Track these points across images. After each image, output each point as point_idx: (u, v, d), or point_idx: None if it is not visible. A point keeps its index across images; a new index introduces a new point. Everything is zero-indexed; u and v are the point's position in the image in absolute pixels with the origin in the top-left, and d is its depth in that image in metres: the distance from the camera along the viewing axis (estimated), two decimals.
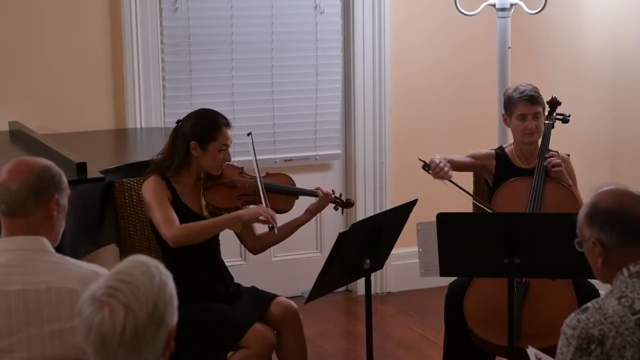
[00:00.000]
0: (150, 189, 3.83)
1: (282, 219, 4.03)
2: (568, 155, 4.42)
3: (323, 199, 4.05)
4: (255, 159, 3.96)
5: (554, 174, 4.19)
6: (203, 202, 3.92)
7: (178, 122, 3.95)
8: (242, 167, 4.05)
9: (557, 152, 4.30)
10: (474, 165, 4.37)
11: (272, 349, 3.82)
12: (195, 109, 4.04)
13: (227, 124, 3.90)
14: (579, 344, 2.35)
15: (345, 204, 4.13)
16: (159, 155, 3.93)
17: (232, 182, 3.94)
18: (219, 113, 3.94)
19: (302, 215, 4.07)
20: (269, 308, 3.85)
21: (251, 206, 3.94)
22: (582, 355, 2.34)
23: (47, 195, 2.64)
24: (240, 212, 3.88)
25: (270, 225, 3.83)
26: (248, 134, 4.03)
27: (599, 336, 2.34)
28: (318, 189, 4.07)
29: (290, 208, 4.04)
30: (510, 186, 4.22)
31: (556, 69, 5.69)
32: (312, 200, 4.12)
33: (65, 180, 2.70)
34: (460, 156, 4.36)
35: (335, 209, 4.13)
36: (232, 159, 4.11)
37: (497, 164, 4.33)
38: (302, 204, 4.11)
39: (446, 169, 4.10)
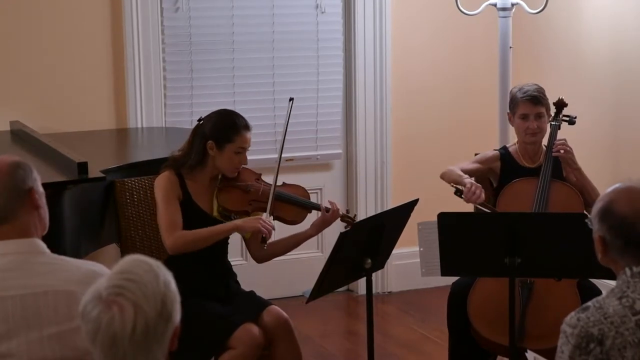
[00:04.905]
0: (160, 186, 3.81)
1: (291, 231, 4.00)
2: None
3: (329, 216, 3.95)
4: (285, 130, 3.96)
5: (564, 156, 4.20)
6: (215, 203, 3.89)
7: (200, 120, 3.93)
8: (260, 174, 3.99)
9: (564, 139, 4.30)
10: (481, 170, 4.35)
11: (260, 349, 3.72)
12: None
13: (247, 127, 3.86)
14: (578, 342, 2.34)
15: (355, 222, 3.98)
16: (179, 152, 3.90)
17: (247, 187, 3.90)
18: (240, 115, 3.90)
19: (307, 229, 3.99)
20: (261, 316, 3.79)
21: (258, 216, 3.91)
22: (581, 354, 2.34)
23: (26, 189, 2.58)
24: (239, 222, 3.81)
25: (263, 236, 3.76)
26: (290, 99, 3.98)
27: (599, 335, 2.34)
28: (330, 204, 3.97)
29: (300, 220, 3.98)
30: (515, 186, 4.21)
31: (557, 68, 5.69)
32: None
33: (30, 166, 2.63)
34: (468, 163, 4.34)
35: (346, 227, 4.01)
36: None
37: (502, 165, 4.33)
38: (311, 217, 4.04)
39: (478, 192, 4.04)
